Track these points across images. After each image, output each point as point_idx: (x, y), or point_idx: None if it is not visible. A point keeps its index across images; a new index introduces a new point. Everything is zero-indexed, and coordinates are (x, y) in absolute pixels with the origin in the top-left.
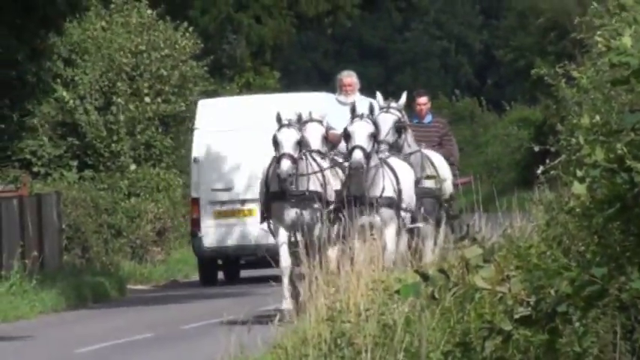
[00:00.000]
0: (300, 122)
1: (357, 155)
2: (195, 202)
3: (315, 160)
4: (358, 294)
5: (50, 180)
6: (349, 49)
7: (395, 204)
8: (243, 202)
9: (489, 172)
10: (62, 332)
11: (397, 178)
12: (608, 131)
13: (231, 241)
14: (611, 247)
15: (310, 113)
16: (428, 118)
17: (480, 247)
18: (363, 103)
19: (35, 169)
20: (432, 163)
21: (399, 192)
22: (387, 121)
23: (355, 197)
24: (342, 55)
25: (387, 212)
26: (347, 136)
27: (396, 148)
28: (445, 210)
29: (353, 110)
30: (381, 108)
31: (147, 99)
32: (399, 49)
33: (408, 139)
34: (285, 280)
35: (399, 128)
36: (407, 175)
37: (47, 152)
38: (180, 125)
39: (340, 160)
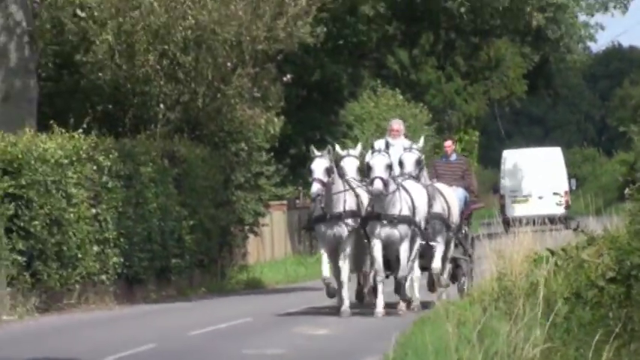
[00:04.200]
0: (338, 156)
1: (378, 185)
2: (502, 196)
3: (351, 187)
4: (517, 263)
5: None
6: (521, 117)
7: (411, 221)
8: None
9: (603, 192)
10: None
11: (412, 198)
12: None
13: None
14: None
15: (349, 150)
16: (453, 157)
17: (586, 235)
18: (405, 143)
19: None
20: (442, 194)
21: (414, 208)
22: (409, 159)
23: (377, 214)
24: (516, 121)
25: (403, 228)
26: (369, 167)
27: (416, 180)
28: (453, 232)
29: (372, 147)
30: (405, 149)
31: None
32: (552, 118)
33: (424, 175)
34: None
35: (418, 164)
36: (421, 196)
37: None
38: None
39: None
